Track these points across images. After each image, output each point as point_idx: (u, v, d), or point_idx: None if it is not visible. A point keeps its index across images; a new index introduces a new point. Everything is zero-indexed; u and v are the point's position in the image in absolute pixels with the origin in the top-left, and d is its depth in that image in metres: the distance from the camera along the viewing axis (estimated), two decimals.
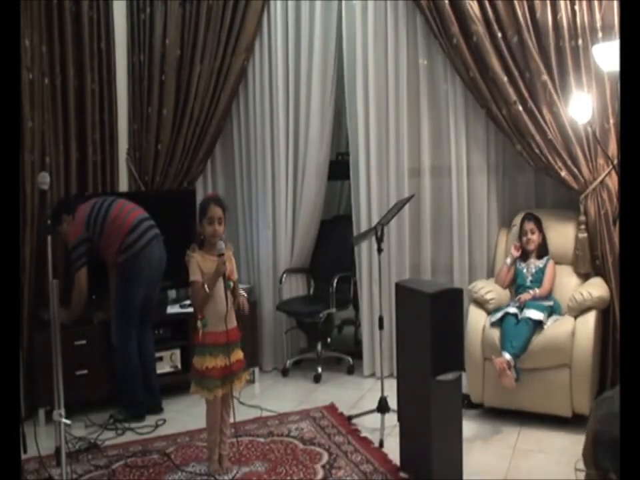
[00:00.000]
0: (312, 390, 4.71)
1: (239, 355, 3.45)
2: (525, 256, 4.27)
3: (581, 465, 1.26)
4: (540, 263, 4.22)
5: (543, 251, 4.26)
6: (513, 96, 4.27)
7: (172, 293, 4.96)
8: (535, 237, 4.24)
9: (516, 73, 4.27)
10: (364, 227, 4.78)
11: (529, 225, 4.26)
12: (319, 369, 4.88)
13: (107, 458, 3.69)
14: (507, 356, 3.80)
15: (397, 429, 3.55)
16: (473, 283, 4.29)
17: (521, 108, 4.27)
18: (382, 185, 4.81)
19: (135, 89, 4.88)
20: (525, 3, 4.22)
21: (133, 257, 4.12)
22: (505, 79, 4.27)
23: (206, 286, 3.29)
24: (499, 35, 4.27)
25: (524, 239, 4.25)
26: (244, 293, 3.52)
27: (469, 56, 4.35)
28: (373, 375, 4.86)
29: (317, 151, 4.92)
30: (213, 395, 3.39)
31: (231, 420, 3.52)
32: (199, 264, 3.32)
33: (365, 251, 4.81)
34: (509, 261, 4.28)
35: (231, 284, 3.44)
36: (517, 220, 4.40)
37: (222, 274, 3.29)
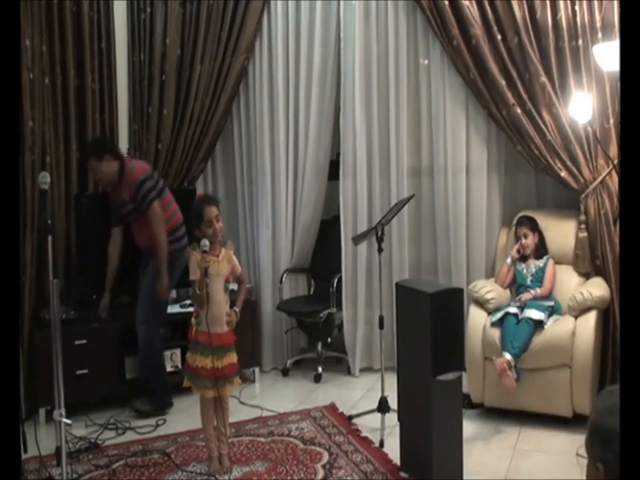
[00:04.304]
0: (312, 390, 4.71)
1: (232, 358, 3.43)
2: (523, 257, 4.26)
3: (583, 451, 1.27)
4: (540, 263, 4.22)
5: (541, 250, 4.26)
6: (512, 99, 4.28)
7: (172, 293, 4.96)
8: (529, 241, 4.23)
9: (515, 75, 4.27)
10: (356, 228, 4.80)
11: (522, 230, 4.25)
12: (319, 369, 4.88)
13: (107, 458, 3.69)
14: (508, 356, 3.80)
15: (397, 429, 3.55)
16: (474, 282, 4.28)
17: (519, 110, 4.27)
18: (382, 185, 4.82)
19: (136, 89, 4.87)
20: (524, 3, 4.22)
21: (178, 251, 4.16)
22: (503, 82, 4.29)
23: (197, 287, 3.29)
24: (499, 37, 4.28)
25: (519, 244, 4.25)
26: (237, 310, 3.47)
27: (469, 58, 4.36)
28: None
29: (316, 151, 4.92)
30: (201, 393, 3.41)
31: (230, 420, 3.52)
32: (199, 263, 3.32)
33: (365, 251, 4.82)
34: (509, 261, 4.27)
35: (229, 286, 3.43)
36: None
37: (204, 270, 3.26)
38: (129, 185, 4.13)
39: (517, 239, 4.29)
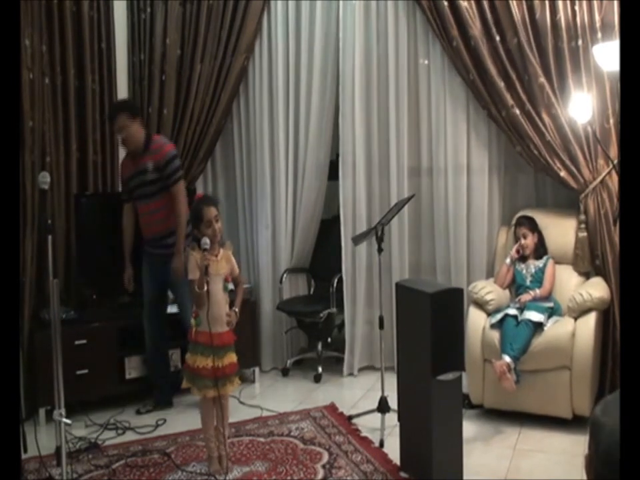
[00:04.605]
0: (312, 390, 4.71)
1: (232, 358, 3.42)
2: (523, 258, 4.25)
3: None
4: (539, 263, 4.21)
5: (541, 250, 4.25)
6: (510, 100, 4.28)
7: (170, 294, 4.96)
8: (529, 241, 4.21)
9: (514, 77, 4.27)
10: (355, 228, 4.81)
11: (521, 230, 4.24)
12: (319, 369, 4.88)
13: (107, 458, 3.69)
14: (507, 359, 3.78)
15: (397, 429, 3.55)
16: (473, 283, 4.27)
17: (518, 111, 4.27)
18: (382, 185, 4.83)
19: (136, 89, 4.88)
20: (523, 3, 4.22)
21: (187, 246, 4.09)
22: (502, 84, 4.29)
23: (196, 286, 3.29)
24: (497, 38, 4.27)
25: (518, 244, 4.24)
26: (237, 310, 3.46)
27: (468, 59, 4.36)
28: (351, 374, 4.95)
29: (316, 151, 4.92)
30: (202, 394, 3.40)
31: (230, 420, 3.51)
32: (198, 263, 3.32)
33: (365, 251, 4.82)
34: (508, 261, 4.25)
35: (228, 286, 3.43)
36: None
37: (204, 268, 3.26)
38: (157, 156, 4.10)
39: (516, 239, 4.28)
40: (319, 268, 5.22)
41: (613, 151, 4.15)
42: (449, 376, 3.22)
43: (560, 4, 4.13)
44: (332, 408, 4.30)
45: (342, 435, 3.89)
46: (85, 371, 4.21)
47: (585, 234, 4.20)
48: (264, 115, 4.96)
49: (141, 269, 4.33)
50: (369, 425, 3.97)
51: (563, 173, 4.24)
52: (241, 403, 4.40)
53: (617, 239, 4.08)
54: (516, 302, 4.09)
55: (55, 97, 4.47)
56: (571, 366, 3.81)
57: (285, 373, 5.00)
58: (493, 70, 4.29)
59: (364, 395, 4.52)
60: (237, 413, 4.14)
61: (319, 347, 5.00)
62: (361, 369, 4.98)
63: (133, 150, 4.17)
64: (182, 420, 4.16)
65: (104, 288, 4.56)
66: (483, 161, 4.61)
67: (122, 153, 4.82)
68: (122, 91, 4.84)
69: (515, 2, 4.21)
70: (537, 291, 4.09)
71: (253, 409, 4.32)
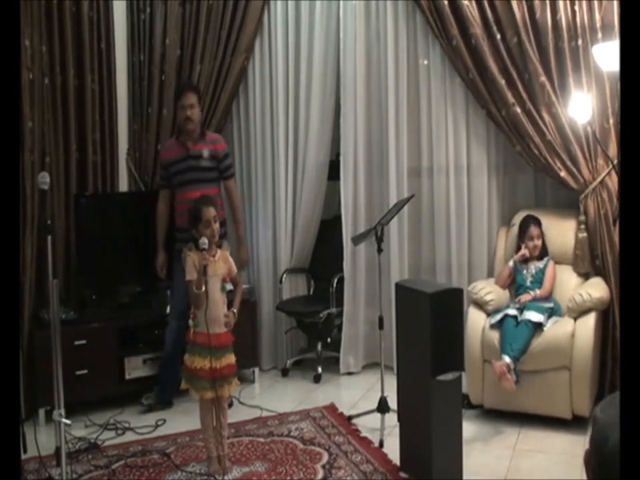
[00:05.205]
0: (312, 390, 4.71)
1: (230, 359, 3.42)
2: (526, 259, 4.24)
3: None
4: (540, 264, 4.20)
5: (542, 251, 4.24)
6: (511, 98, 4.28)
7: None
8: (540, 242, 4.21)
9: (514, 75, 4.27)
10: (355, 228, 4.81)
11: (536, 230, 4.20)
12: (319, 369, 4.88)
13: (107, 458, 3.69)
14: (507, 359, 3.78)
15: (397, 429, 3.55)
16: (473, 283, 4.26)
17: (519, 110, 4.27)
18: (383, 185, 4.83)
19: (135, 89, 4.88)
20: (524, 3, 4.22)
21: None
22: (503, 82, 4.28)
23: (194, 286, 3.28)
24: (498, 36, 4.27)
25: (530, 244, 4.19)
26: (235, 311, 3.46)
27: (468, 58, 4.36)
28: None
29: (316, 151, 4.92)
30: (200, 395, 3.40)
31: (230, 421, 3.51)
32: (195, 263, 3.32)
33: (364, 251, 4.82)
34: (511, 264, 4.22)
35: (227, 286, 3.43)
36: (517, 219, 4.38)
37: (203, 268, 3.26)
38: (217, 147, 4.37)
39: (528, 239, 4.20)
40: (318, 268, 5.22)
41: (613, 151, 4.15)
42: (449, 376, 3.22)
43: (560, 4, 4.13)
44: (332, 408, 4.30)
45: (342, 435, 3.89)
46: (85, 371, 4.21)
47: (584, 234, 4.20)
48: (264, 115, 4.96)
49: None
50: (368, 425, 3.96)
51: (562, 173, 4.24)
52: (241, 403, 4.40)
53: (616, 239, 4.08)
54: (516, 302, 4.08)
55: (55, 97, 4.47)
56: (570, 366, 3.81)
57: (284, 373, 5.00)
58: (493, 67, 4.28)
59: (364, 395, 4.52)
60: (236, 413, 4.14)
61: (319, 347, 5.00)
62: (364, 367, 4.98)
63: (190, 130, 4.30)
64: (181, 420, 4.16)
65: (104, 288, 4.56)
66: (483, 161, 4.61)
67: (121, 153, 4.85)
68: (122, 91, 4.84)
69: (515, 1, 4.21)
70: (537, 291, 4.09)
71: (253, 409, 4.31)
